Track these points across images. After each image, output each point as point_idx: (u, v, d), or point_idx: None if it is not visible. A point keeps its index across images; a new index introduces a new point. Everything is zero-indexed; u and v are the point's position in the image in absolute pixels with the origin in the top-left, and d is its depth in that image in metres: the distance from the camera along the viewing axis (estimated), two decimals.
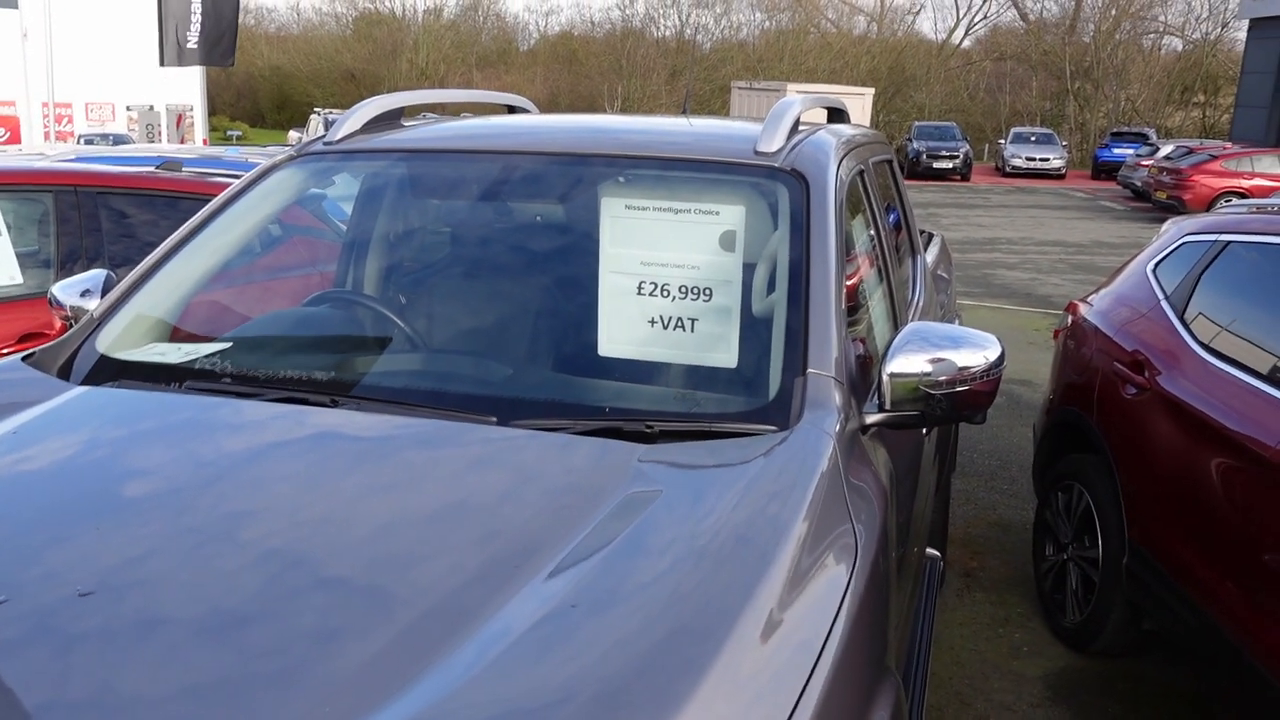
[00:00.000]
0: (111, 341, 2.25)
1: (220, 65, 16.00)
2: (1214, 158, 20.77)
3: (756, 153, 2.33)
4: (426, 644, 1.26)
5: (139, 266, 2.47)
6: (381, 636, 1.27)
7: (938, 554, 3.35)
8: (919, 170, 30.67)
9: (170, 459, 1.75)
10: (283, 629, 1.29)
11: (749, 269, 2.17)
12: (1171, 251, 3.88)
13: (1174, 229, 4.05)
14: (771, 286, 2.15)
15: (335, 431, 1.85)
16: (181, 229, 2.55)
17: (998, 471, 5.72)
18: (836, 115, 3.36)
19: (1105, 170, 31.78)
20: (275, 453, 1.79)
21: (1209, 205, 18.84)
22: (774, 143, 2.35)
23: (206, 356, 2.18)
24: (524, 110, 3.50)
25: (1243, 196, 18.92)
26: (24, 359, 2.25)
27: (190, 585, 1.38)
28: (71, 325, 2.43)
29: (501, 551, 1.44)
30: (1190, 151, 22.48)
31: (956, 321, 4.27)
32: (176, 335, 2.35)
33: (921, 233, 4.72)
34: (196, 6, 14.98)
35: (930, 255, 4.28)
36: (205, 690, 1.20)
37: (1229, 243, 3.50)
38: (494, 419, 1.87)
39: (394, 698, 1.17)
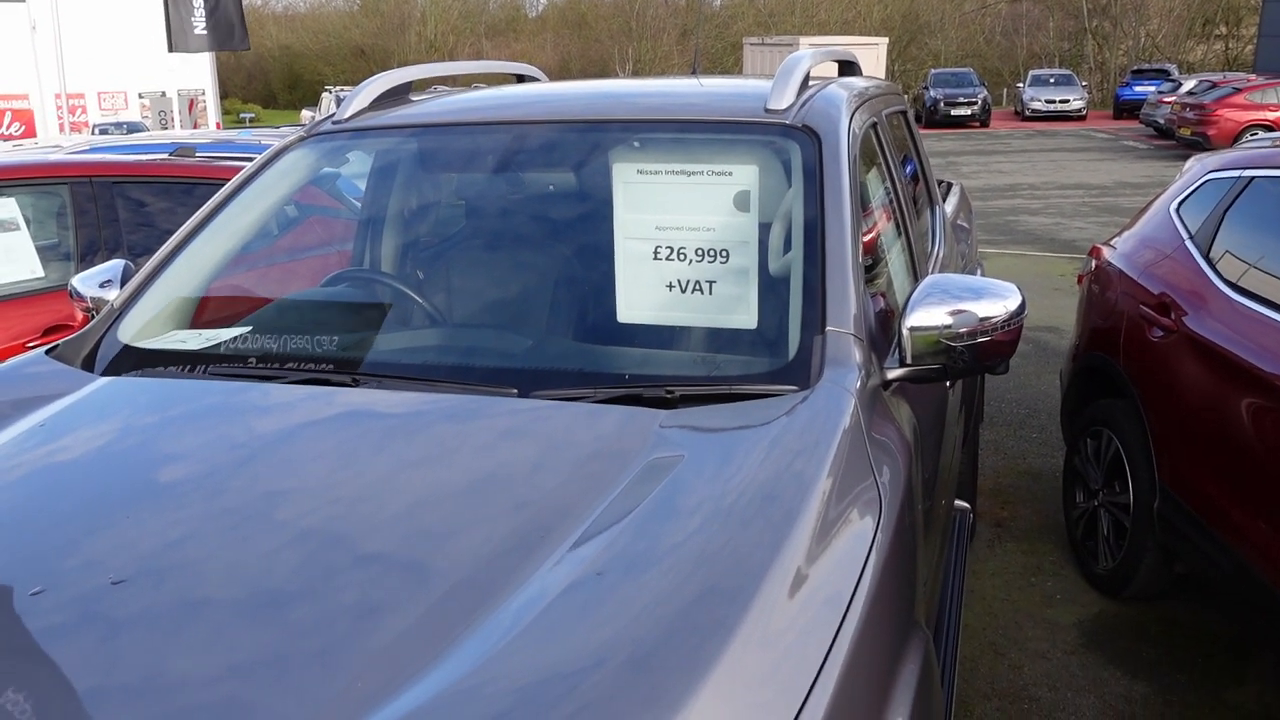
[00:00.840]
0: (134, 331, 2.27)
1: (235, 50, 15.99)
2: (1238, 90, 20.43)
3: (767, 111, 2.32)
4: (460, 615, 1.27)
5: (157, 255, 2.49)
6: (419, 609, 1.29)
7: (967, 506, 3.36)
8: (937, 118, 30.35)
9: (201, 443, 1.77)
10: (325, 606, 1.31)
11: (764, 229, 2.17)
12: (1195, 190, 3.83)
13: (1196, 167, 3.99)
14: (788, 245, 2.14)
15: (361, 410, 1.87)
16: (197, 215, 2.57)
17: (1026, 420, 5.70)
18: (847, 68, 3.33)
19: (1127, 109, 31.34)
20: (305, 432, 1.81)
21: (1234, 139, 18.55)
22: (784, 100, 2.34)
23: (228, 341, 2.20)
24: (533, 79, 3.49)
25: (1269, 129, 18.63)
26: (47, 352, 2.28)
27: (230, 566, 1.40)
28: (93, 316, 2.46)
29: (527, 523, 1.45)
30: (1213, 85, 22.12)
31: (978, 272, 4.24)
32: (198, 321, 2.37)
33: (940, 182, 4.68)
34: None
35: (949, 205, 4.24)
36: (251, 668, 1.22)
37: (1253, 178, 3.45)
38: (515, 391, 1.89)
39: (429, 669, 1.19)
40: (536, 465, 1.64)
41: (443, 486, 1.58)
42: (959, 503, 3.24)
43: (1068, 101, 31.46)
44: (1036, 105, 31.62)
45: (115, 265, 2.57)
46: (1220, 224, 3.51)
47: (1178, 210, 3.86)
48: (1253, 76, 23.28)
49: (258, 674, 1.21)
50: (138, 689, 1.20)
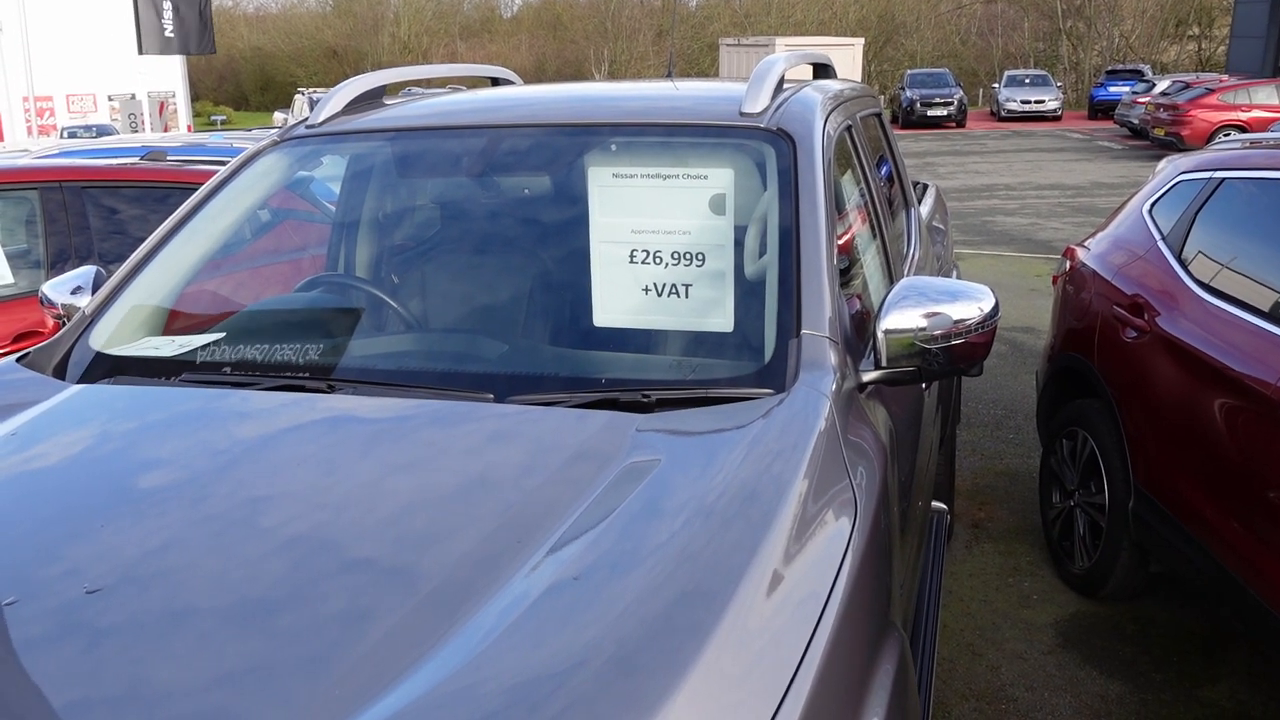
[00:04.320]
0: (106, 338, 2.26)
1: (201, 53, 15.92)
2: (1210, 91, 20.65)
3: (742, 114, 2.34)
4: (445, 620, 1.28)
5: (129, 260, 2.48)
6: (405, 615, 1.29)
7: (944, 507, 3.38)
8: (913, 119, 30.50)
9: (181, 449, 1.77)
10: (312, 613, 1.31)
11: (740, 231, 2.19)
12: (1167, 191, 3.88)
13: (1169, 168, 4.04)
14: (763, 249, 2.16)
15: (342, 416, 1.88)
16: (170, 219, 2.56)
17: (1003, 420, 5.75)
18: (822, 70, 3.35)
19: (1102, 109, 31.61)
20: (287, 439, 1.82)
21: (1208, 139, 18.75)
22: (759, 103, 2.36)
23: (202, 348, 2.20)
24: (507, 82, 3.50)
25: (1242, 129, 18.82)
26: (19, 360, 2.27)
27: (214, 574, 1.40)
28: (64, 324, 2.45)
29: (507, 528, 1.46)
30: (1187, 86, 22.35)
31: (954, 273, 4.28)
32: (171, 328, 2.36)
33: (916, 184, 4.72)
34: None
35: (925, 207, 4.28)
36: (238, 677, 1.21)
37: (1224, 180, 3.50)
38: (490, 396, 1.90)
39: (414, 674, 1.20)
40: (514, 470, 1.65)
41: (423, 492, 1.59)
42: (936, 504, 3.26)
43: (1043, 102, 31.70)
44: (1012, 106, 31.84)
45: (87, 271, 2.56)
46: (1192, 225, 3.55)
47: (1150, 211, 3.91)
48: (1225, 77, 23.54)
49: (244, 682, 1.21)
50: (120, 700, 1.20)
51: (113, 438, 1.87)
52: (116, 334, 2.28)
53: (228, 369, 2.10)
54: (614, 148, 2.38)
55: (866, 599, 1.51)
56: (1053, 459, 4.16)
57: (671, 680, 1.17)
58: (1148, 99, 23.05)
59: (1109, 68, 36.45)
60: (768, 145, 2.27)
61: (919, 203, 4.24)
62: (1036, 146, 23.97)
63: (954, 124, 30.86)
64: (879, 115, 3.68)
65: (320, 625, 1.29)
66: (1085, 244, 4.37)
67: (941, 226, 4.54)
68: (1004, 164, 20.45)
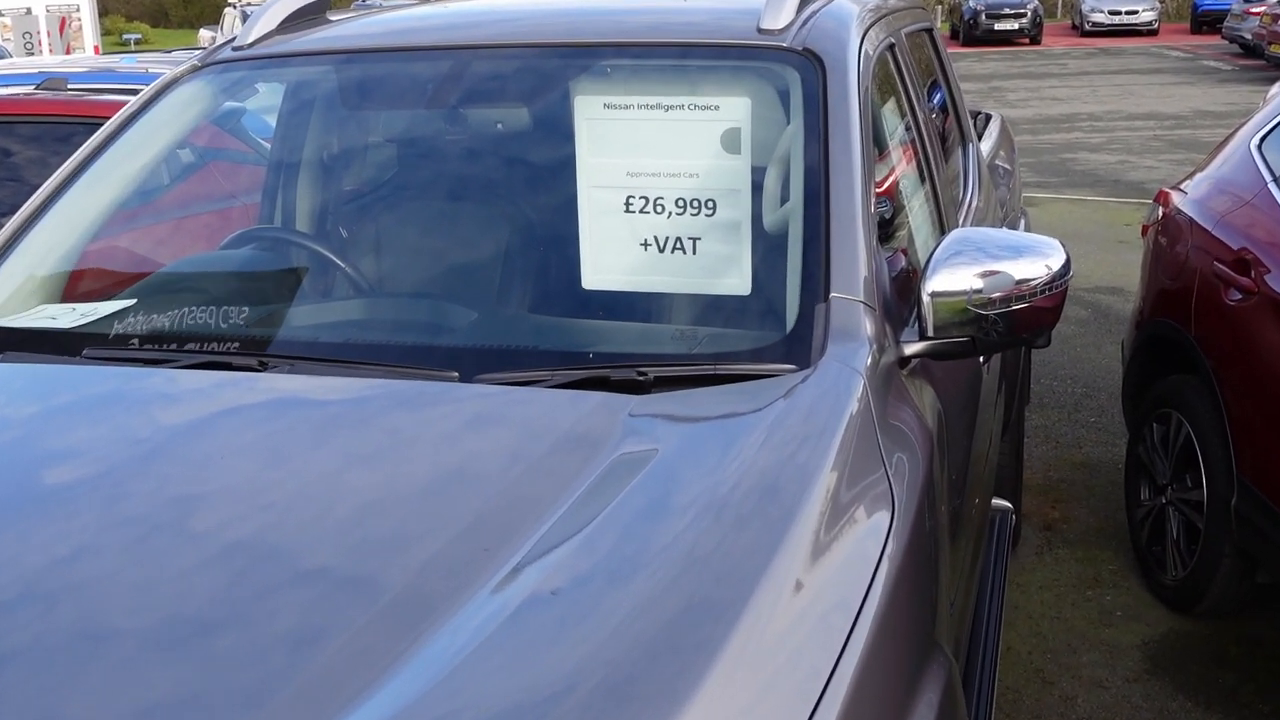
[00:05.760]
0: None
1: None
2: None
3: (760, 31, 2.34)
4: (411, 639, 1.29)
5: (20, 212, 2.49)
6: (366, 635, 1.30)
7: (1009, 506, 3.40)
8: (977, 34, 30.36)
9: (93, 438, 1.79)
10: (254, 634, 1.32)
11: (758, 174, 2.19)
12: None
13: None
14: (786, 194, 2.17)
15: (281, 398, 1.90)
16: (69, 162, 2.57)
17: (1082, 401, 5.76)
18: None
19: (1207, 22, 31.37)
20: (217, 426, 1.83)
21: None
22: (781, 17, 2.35)
23: (110, 317, 2.21)
24: None
25: None
26: None
27: (137, 588, 1.40)
28: None
29: (472, 533, 1.48)
30: None
31: (1021, 223, 4.28)
32: (71, 293, 2.37)
33: (976, 114, 4.71)
34: None
35: (986, 143, 4.27)
36: (166, 712, 1.22)
37: None
38: (455, 374, 1.91)
39: (376, 703, 1.21)
40: (483, 465, 1.67)
41: (380, 490, 1.61)
42: (998, 502, 3.28)
43: (1136, 13, 31.50)
44: (1098, 18, 31.65)
45: None
46: None
47: (1260, 146, 3.90)
48: None
49: (173, 718, 1.21)
50: None
51: (9, 425, 1.88)
52: (6, 302, 2.29)
53: (141, 343, 2.11)
54: (609, 70, 2.38)
55: (905, 616, 1.53)
56: (1141, 447, 4.17)
57: (672, 710, 1.18)
58: (1263, 8, 22.89)
59: None
60: (792, 69, 2.27)
61: (979, 137, 4.23)
62: (1127, 67, 23.86)
63: (1027, 40, 30.69)
64: (930, 31, 3.67)
65: (263, 648, 1.30)
66: (1181, 187, 4.36)
67: (1007, 166, 4.53)
68: (1087, 89, 20.36)
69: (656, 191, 2.17)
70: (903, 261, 2.36)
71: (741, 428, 1.71)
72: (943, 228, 2.77)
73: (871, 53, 2.47)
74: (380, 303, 2.36)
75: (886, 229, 2.37)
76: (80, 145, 2.59)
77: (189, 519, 1.55)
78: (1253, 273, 3.52)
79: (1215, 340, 3.68)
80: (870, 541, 1.54)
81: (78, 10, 25.99)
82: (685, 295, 2.17)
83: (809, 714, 1.26)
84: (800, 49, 2.29)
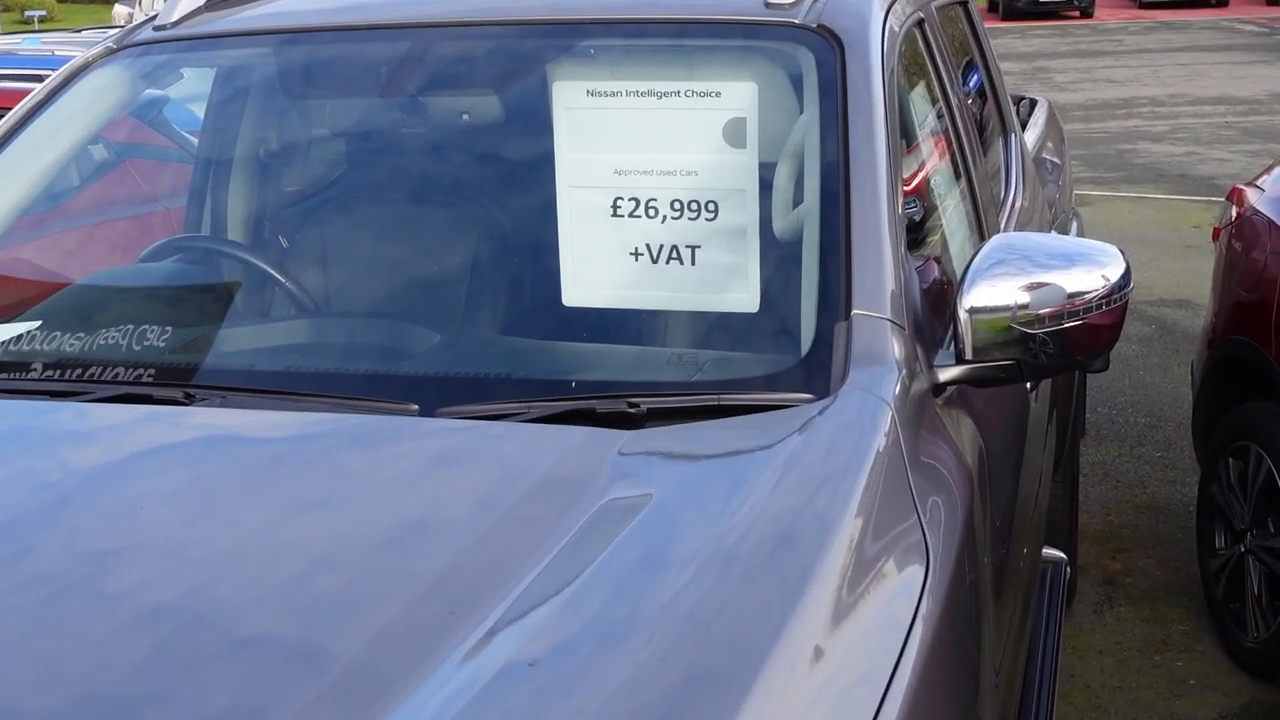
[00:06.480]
0: None
1: None
2: None
3: (768, 5, 2.35)
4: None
5: None
6: (316, 713, 1.29)
7: (1062, 556, 3.40)
8: (1019, 7, 30.58)
9: None
10: (183, 715, 1.31)
11: (767, 171, 2.20)
12: None
13: None
14: (800, 195, 2.17)
15: (213, 436, 1.90)
16: None
17: (1146, 433, 5.76)
18: None
19: None
20: (139, 469, 1.83)
21: None
22: None
23: (5, 341, 2.20)
24: None
25: None
26: None
27: (44, 660, 1.40)
28: None
29: (434, 594, 1.47)
30: None
31: (1073, 226, 4.29)
32: None
33: (1019, 100, 4.73)
34: None
35: (1031, 133, 4.29)
36: None
37: None
38: (415, 407, 1.90)
39: None
40: (443, 515, 1.67)
41: (329, 543, 1.61)
42: (1050, 552, 3.28)
43: None
44: None
45: None
46: None
47: None
48: None
49: None
50: None
51: None
52: None
53: (47, 371, 2.11)
54: (592, 52, 2.39)
55: (943, 688, 1.52)
56: (1215, 486, 4.17)
57: None
58: None
59: None
60: (805, 49, 2.28)
61: (1023, 127, 4.24)
62: (1194, 44, 24.00)
63: (1077, 12, 30.92)
64: (965, 4, 3.68)
65: None
66: (1259, 183, 4.38)
67: (1056, 160, 4.55)
68: (1148, 69, 20.47)
69: (648, 192, 2.17)
70: (935, 272, 2.37)
71: (750, 468, 1.71)
72: (982, 232, 2.77)
73: (897, 29, 2.48)
74: (327, 324, 2.36)
75: (916, 234, 2.37)
76: None
77: (105, 578, 1.54)
78: None
79: None
80: (901, 601, 1.53)
81: None
82: (683, 313, 2.17)
83: None
84: (815, 26, 2.30)
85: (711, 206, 2.16)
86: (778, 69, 2.30)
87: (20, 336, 2.22)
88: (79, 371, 2.09)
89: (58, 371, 2.10)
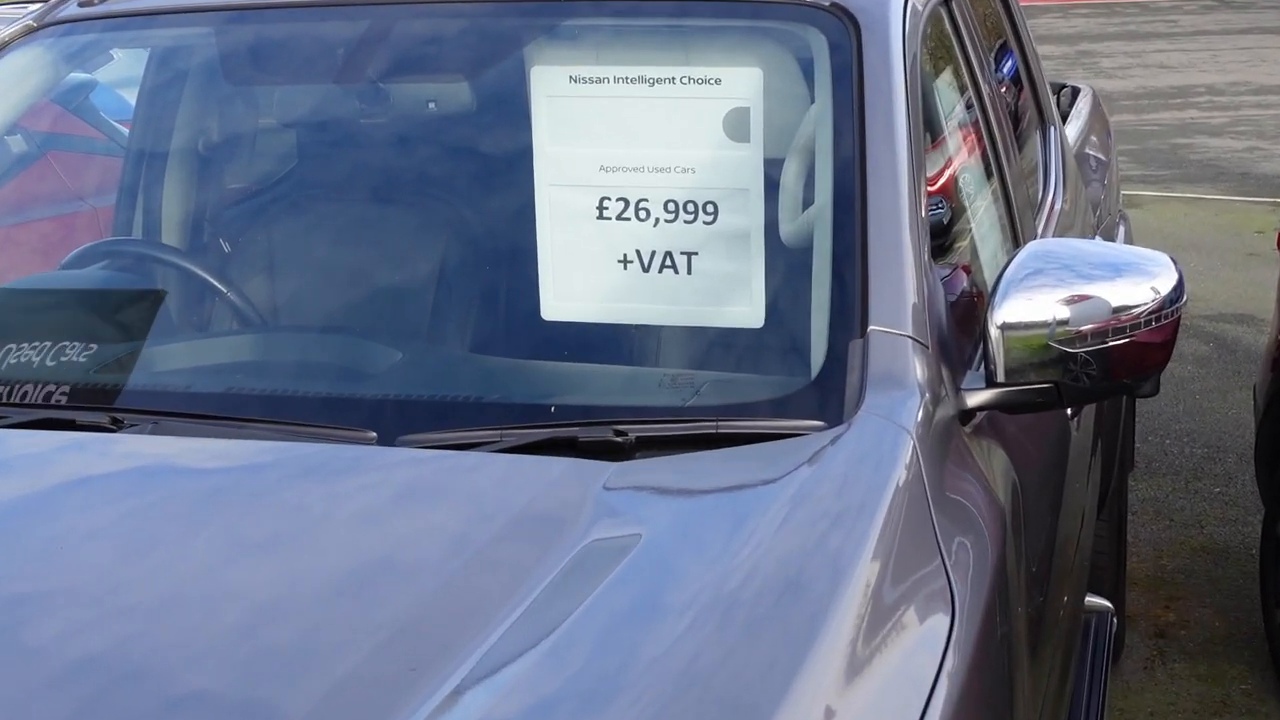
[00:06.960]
0: None
1: None
2: None
3: None
4: None
5: None
6: None
7: (1108, 606, 3.40)
8: None
9: None
10: None
11: (773, 168, 2.20)
12: None
13: None
14: (811, 195, 2.18)
15: (147, 467, 1.91)
16: None
17: (1203, 466, 5.76)
18: None
19: None
20: (63, 503, 1.83)
21: None
22: None
23: None
24: None
25: None
26: None
27: None
28: None
29: (396, 646, 1.47)
30: None
31: (1120, 231, 4.30)
32: None
33: (1060, 88, 4.73)
34: None
35: (1073, 126, 4.30)
36: None
37: None
38: (373, 435, 1.91)
39: None
40: (406, 556, 1.67)
41: (279, 588, 1.61)
42: (1094, 600, 3.28)
43: None
44: None
45: None
46: None
47: None
48: None
49: None
50: None
51: None
52: None
53: None
54: (575, 33, 2.39)
55: None
56: None
57: None
58: None
59: None
60: (817, 30, 2.29)
61: (1064, 118, 4.25)
62: (1257, 24, 24.05)
63: None
64: None
65: None
66: None
67: (1101, 156, 4.56)
68: (1206, 53, 20.52)
69: (639, 192, 2.18)
70: (964, 283, 2.38)
71: (752, 504, 1.72)
72: (1016, 238, 2.78)
73: (921, 8, 2.49)
74: (274, 340, 2.36)
75: (942, 240, 2.38)
76: None
77: (24, 628, 1.54)
78: None
79: None
80: (924, 654, 1.54)
81: None
82: (677, 329, 2.18)
83: None
84: (828, 4, 2.30)
85: (710, 208, 2.16)
86: (785, 53, 2.31)
87: None
88: None
89: None
